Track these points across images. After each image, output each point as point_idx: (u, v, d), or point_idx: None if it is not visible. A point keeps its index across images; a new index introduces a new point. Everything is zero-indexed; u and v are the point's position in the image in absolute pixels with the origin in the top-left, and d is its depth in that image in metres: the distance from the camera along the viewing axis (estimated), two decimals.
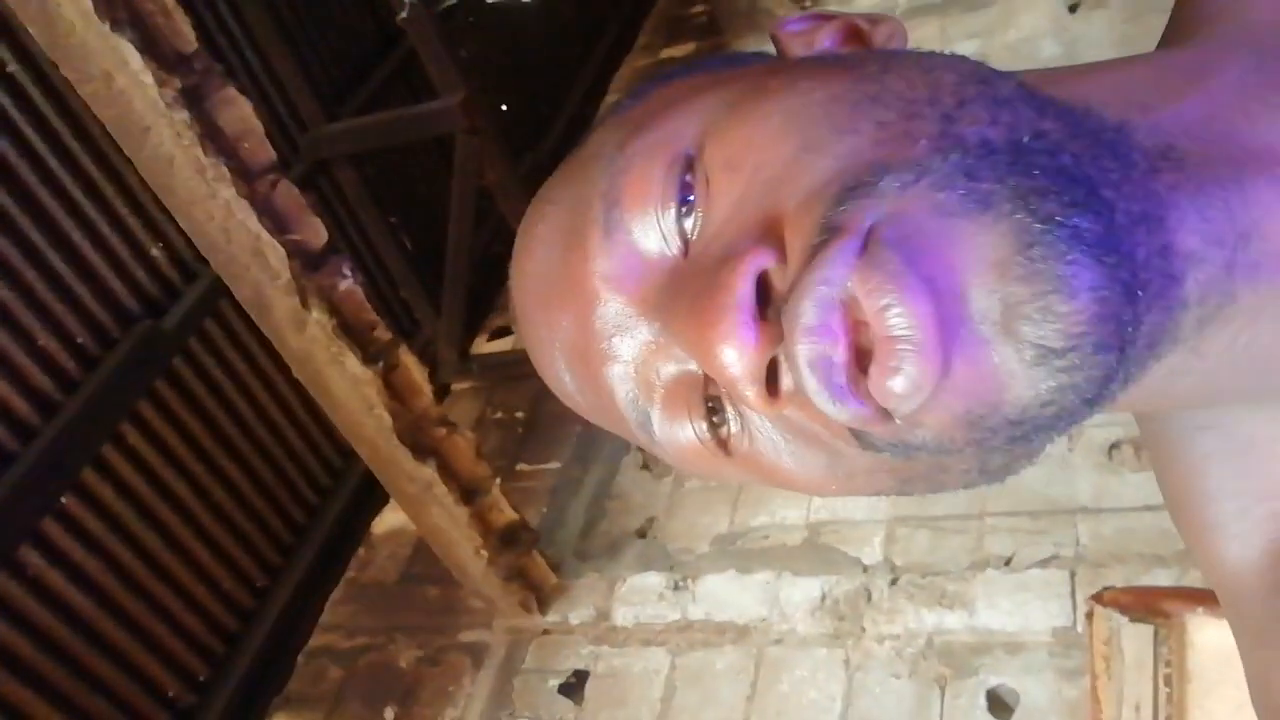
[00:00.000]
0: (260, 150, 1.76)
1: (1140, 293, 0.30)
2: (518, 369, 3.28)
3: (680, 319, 0.34)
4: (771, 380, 0.33)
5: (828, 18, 0.42)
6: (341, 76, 3.18)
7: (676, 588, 2.48)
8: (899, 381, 0.30)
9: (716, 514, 2.64)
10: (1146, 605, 1.21)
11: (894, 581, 2.26)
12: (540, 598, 2.55)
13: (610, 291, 0.37)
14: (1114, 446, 2.26)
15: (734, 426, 0.37)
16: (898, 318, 0.30)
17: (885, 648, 2.16)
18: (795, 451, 0.36)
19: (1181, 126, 0.34)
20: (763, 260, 0.33)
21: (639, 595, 2.51)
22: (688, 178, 0.35)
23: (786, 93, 0.35)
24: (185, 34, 1.64)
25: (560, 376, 0.40)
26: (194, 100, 1.65)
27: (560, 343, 0.39)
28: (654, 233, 0.36)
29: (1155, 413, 0.42)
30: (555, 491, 2.94)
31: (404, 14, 2.55)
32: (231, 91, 1.72)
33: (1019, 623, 2.04)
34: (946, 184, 0.31)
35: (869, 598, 2.26)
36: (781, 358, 0.33)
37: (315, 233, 1.88)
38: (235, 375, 2.75)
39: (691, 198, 0.35)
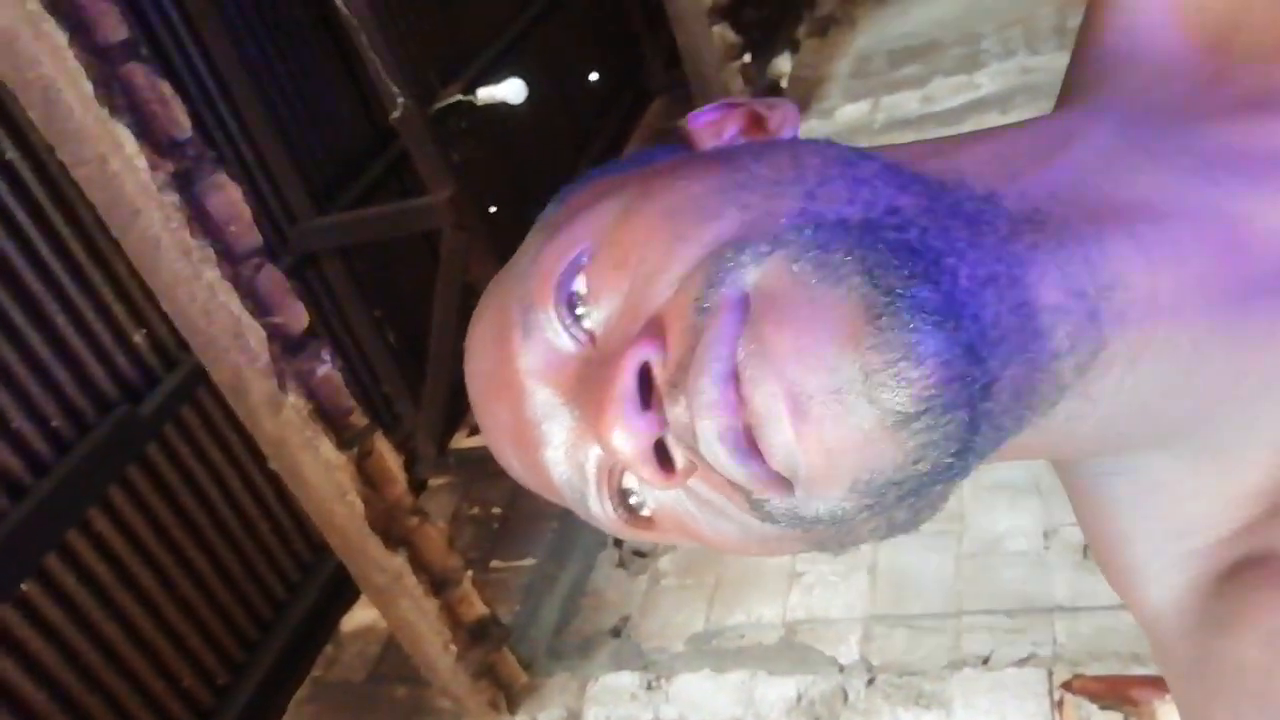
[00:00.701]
0: (247, 234, 1.80)
1: (987, 351, 0.32)
2: (495, 465, 3.26)
3: (585, 411, 0.38)
4: (665, 459, 0.36)
5: (733, 106, 0.46)
6: (333, 171, 3.26)
7: (650, 687, 2.43)
8: (778, 454, 0.33)
9: (692, 612, 2.60)
10: (1116, 693, 1.21)
11: (871, 681, 2.22)
12: (510, 697, 2.48)
13: (535, 384, 0.40)
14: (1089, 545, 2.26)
15: (651, 503, 0.40)
16: (770, 398, 0.32)
17: None
18: (708, 520, 0.39)
19: (1047, 190, 0.36)
20: (644, 353, 0.36)
21: (611, 695, 2.45)
22: (574, 285, 0.39)
23: (665, 191, 0.38)
24: (180, 120, 1.70)
25: (509, 461, 0.44)
26: (185, 184, 1.69)
27: (503, 430, 0.42)
28: (562, 331, 0.39)
29: (1069, 460, 0.43)
30: (529, 588, 2.90)
31: (397, 113, 2.64)
32: (222, 177, 1.77)
33: None
34: (801, 254, 0.33)
35: (845, 698, 2.21)
36: (669, 438, 0.36)
37: (296, 317, 1.91)
38: (210, 464, 2.73)
39: (577, 303, 0.39)
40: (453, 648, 2.33)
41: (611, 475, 0.40)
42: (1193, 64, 0.42)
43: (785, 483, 0.34)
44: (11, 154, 2.22)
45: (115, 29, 1.58)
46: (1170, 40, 0.43)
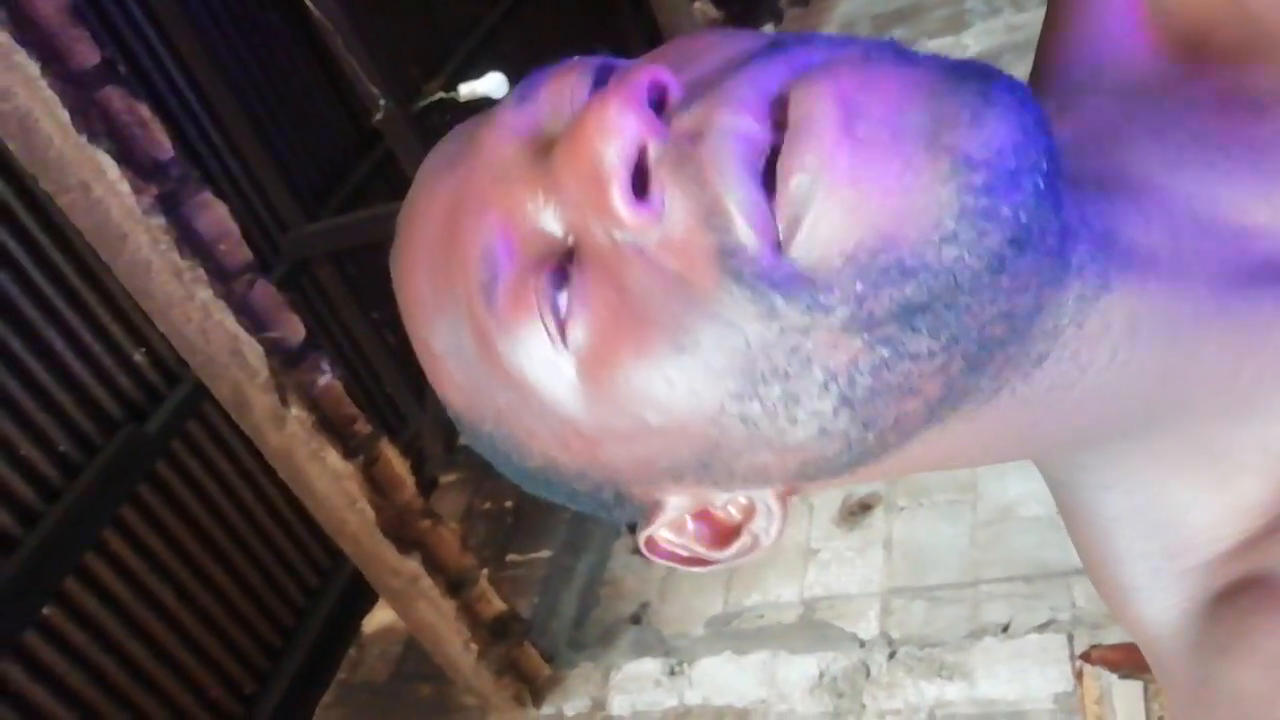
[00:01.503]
0: (237, 251, 1.79)
1: (1049, 175, 0.29)
2: None
3: (562, 136, 0.32)
4: (641, 193, 0.31)
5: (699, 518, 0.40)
6: (320, 177, 3.25)
7: (672, 673, 2.43)
8: (794, 179, 0.29)
9: (710, 595, 2.61)
10: (1134, 661, 1.20)
11: (892, 655, 2.22)
12: (534, 690, 2.50)
13: (506, 138, 0.35)
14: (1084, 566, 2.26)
15: (575, 299, 0.33)
16: (819, 102, 0.29)
17: None
18: (637, 313, 0.32)
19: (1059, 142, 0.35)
20: (662, 74, 0.32)
21: (634, 683, 2.46)
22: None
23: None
24: (161, 142, 1.69)
25: (416, 280, 0.37)
26: (171, 206, 1.68)
27: (432, 224, 0.36)
28: (563, 99, 0.35)
29: (1050, 454, 0.42)
30: (547, 580, 2.90)
31: (379, 115, 2.62)
32: (208, 195, 1.76)
33: (1020, 691, 2.01)
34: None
35: (867, 673, 2.22)
36: (654, 158, 0.31)
37: (293, 329, 1.90)
38: (219, 477, 2.74)
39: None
40: (473, 646, 2.34)
41: (544, 259, 0.33)
42: (1158, 64, 0.41)
43: (776, 237, 0.30)
44: None
45: (88, 54, 1.57)
46: (1136, 46, 0.42)
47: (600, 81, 0.34)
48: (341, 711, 2.90)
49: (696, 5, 4.08)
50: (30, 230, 2.29)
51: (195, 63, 2.80)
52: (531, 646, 2.51)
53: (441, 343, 0.37)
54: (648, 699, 2.40)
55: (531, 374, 0.34)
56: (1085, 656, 1.26)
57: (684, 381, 0.32)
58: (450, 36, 3.83)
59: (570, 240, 0.33)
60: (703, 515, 0.40)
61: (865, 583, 2.43)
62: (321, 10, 2.51)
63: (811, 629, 2.39)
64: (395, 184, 3.41)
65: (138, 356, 2.52)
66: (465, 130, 0.38)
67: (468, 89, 2.70)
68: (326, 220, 3.10)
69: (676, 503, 0.39)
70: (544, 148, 0.34)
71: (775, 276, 0.30)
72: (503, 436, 0.37)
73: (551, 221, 0.34)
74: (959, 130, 0.28)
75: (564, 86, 0.35)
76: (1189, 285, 0.34)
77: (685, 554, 0.40)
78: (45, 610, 2.23)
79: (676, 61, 0.34)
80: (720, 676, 2.36)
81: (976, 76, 0.30)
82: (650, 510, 0.39)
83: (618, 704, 2.43)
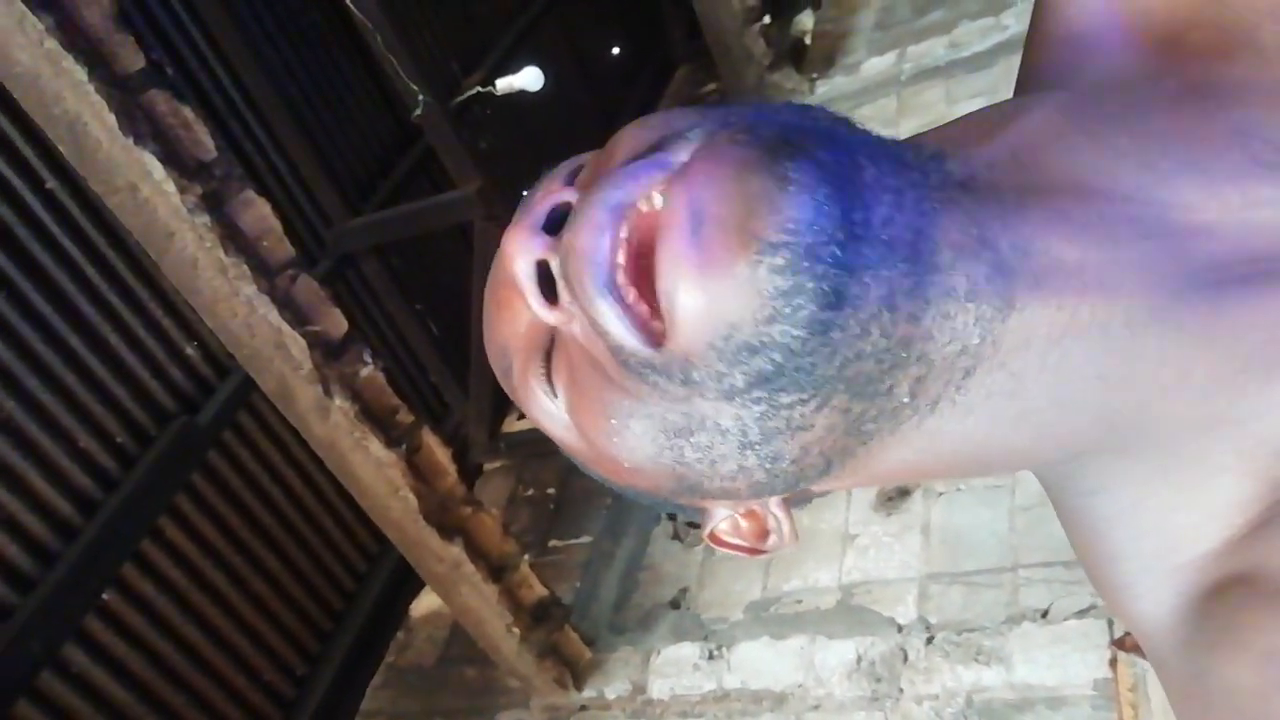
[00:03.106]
0: (279, 247, 1.84)
1: (865, 233, 0.33)
2: (547, 445, 3.31)
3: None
4: (551, 294, 0.38)
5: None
6: (364, 174, 3.31)
7: (711, 657, 2.46)
8: (664, 268, 0.34)
9: (748, 581, 2.63)
10: None
11: (930, 640, 2.23)
12: (575, 674, 2.54)
13: (513, 248, 0.41)
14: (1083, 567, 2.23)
15: (553, 375, 0.42)
16: (672, 205, 0.34)
17: (924, 708, 2.12)
18: (581, 388, 0.40)
19: (985, 160, 0.37)
20: (565, 195, 0.38)
21: (674, 667, 2.49)
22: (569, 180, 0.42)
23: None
24: (205, 143, 1.74)
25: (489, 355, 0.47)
26: (215, 204, 1.74)
27: (486, 316, 0.46)
28: (545, 207, 0.41)
29: (1032, 465, 0.43)
30: (587, 566, 2.94)
31: (419, 111, 2.66)
32: (250, 194, 1.81)
33: (1059, 676, 2.00)
34: (735, 125, 0.36)
35: (905, 658, 2.22)
36: (556, 268, 0.37)
37: (335, 323, 1.95)
38: (269, 466, 2.82)
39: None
40: (515, 630, 2.38)
41: (536, 342, 0.42)
42: (1137, 61, 0.42)
43: (649, 332, 0.35)
44: (52, 183, 2.29)
45: (133, 59, 1.62)
46: (1114, 38, 0.43)
47: (569, 182, 0.41)
48: (391, 693, 2.98)
49: None
50: (85, 229, 2.37)
51: (241, 63, 2.86)
52: (573, 631, 2.55)
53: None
54: (686, 682, 2.43)
55: (552, 430, 0.43)
56: (1119, 643, 1.26)
57: (625, 436, 0.39)
58: (490, 31, 3.87)
59: (551, 332, 0.42)
60: (750, 515, 0.47)
61: (903, 568, 2.43)
62: (362, 10, 2.56)
63: (849, 614, 2.39)
64: (436, 178, 3.46)
65: (189, 350, 2.60)
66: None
67: (505, 83, 2.72)
68: (370, 214, 3.16)
69: (715, 509, 0.46)
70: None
71: (656, 363, 0.36)
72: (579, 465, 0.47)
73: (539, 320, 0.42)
74: (761, 215, 0.33)
75: (547, 197, 0.41)
76: (1121, 292, 0.35)
77: (744, 546, 0.48)
78: (105, 595, 2.32)
79: (606, 155, 0.41)
80: (758, 661, 2.38)
81: (786, 154, 0.34)
82: (703, 514, 0.47)
83: (657, 687, 2.46)
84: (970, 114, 0.42)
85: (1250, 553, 0.36)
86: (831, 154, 0.34)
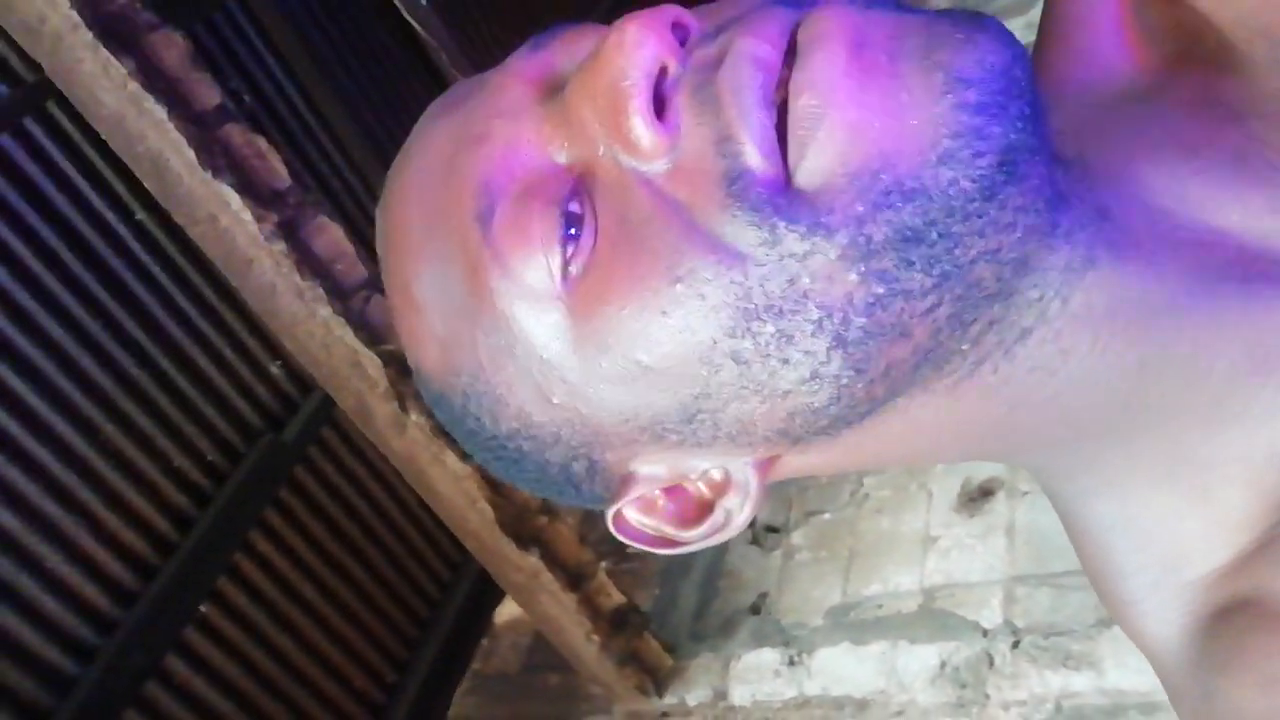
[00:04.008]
0: (353, 270, 1.89)
1: (1037, 119, 0.30)
2: None
3: (580, 64, 0.33)
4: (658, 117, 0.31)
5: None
6: None
7: (791, 663, 2.44)
8: (810, 79, 0.30)
9: (829, 585, 2.60)
10: None
11: (1016, 644, 2.17)
12: (656, 680, 2.55)
13: (514, 79, 0.35)
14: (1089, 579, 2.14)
15: (579, 237, 0.33)
16: (825, 26, 0.30)
17: (1012, 715, 2.07)
18: (635, 243, 0.32)
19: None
20: (685, 15, 0.33)
21: (754, 673, 2.48)
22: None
23: None
24: (279, 171, 1.80)
25: (406, 222, 0.37)
26: (290, 231, 1.80)
27: (428, 162, 0.36)
28: (580, 49, 0.35)
29: (1043, 473, 0.42)
30: (665, 573, 2.95)
31: None
32: (324, 219, 1.86)
33: (1151, 681, 1.90)
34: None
35: (991, 663, 2.17)
36: (679, 92, 0.31)
37: None
38: (353, 479, 2.89)
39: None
40: (595, 637, 2.40)
41: (550, 187, 0.33)
42: (1148, 77, 0.42)
43: (783, 164, 0.30)
44: (141, 215, 2.40)
45: (209, 95, 1.68)
46: (1123, 60, 0.43)
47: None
48: (477, 700, 3.03)
49: None
50: (173, 257, 2.48)
51: (314, 88, 2.95)
52: (653, 638, 2.56)
53: (425, 286, 0.36)
54: (767, 689, 2.42)
55: (522, 312, 0.34)
56: None
57: (678, 314, 0.31)
58: None
59: (574, 174, 0.33)
60: (674, 491, 0.39)
61: (988, 570, 2.38)
62: (428, 30, 2.61)
63: (932, 618, 2.35)
64: None
65: (274, 369, 2.69)
66: (473, 78, 0.39)
67: None
68: None
69: (650, 473, 0.38)
70: (554, 88, 0.34)
71: (779, 201, 0.30)
72: (478, 393, 0.36)
73: (556, 154, 0.33)
74: (950, 50, 0.29)
75: (580, 38, 0.36)
76: (1167, 275, 0.34)
77: (653, 534, 0.40)
78: (203, 608, 2.42)
79: (699, 13, 0.35)
80: (839, 667, 2.36)
81: (971, 15, 0.31)
82: (621, 484, 0.38)
83: (738, 694, 2.46)
84: None
85: (1256, 574, 0.36)
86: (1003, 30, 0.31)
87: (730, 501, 0.38)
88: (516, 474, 0.39)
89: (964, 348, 0.33)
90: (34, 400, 2.16)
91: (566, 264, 0.33)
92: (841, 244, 0.30)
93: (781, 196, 0.30)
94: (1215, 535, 0.37)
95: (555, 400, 0.35)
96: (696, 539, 0.39)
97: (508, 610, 3.20)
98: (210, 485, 2.48)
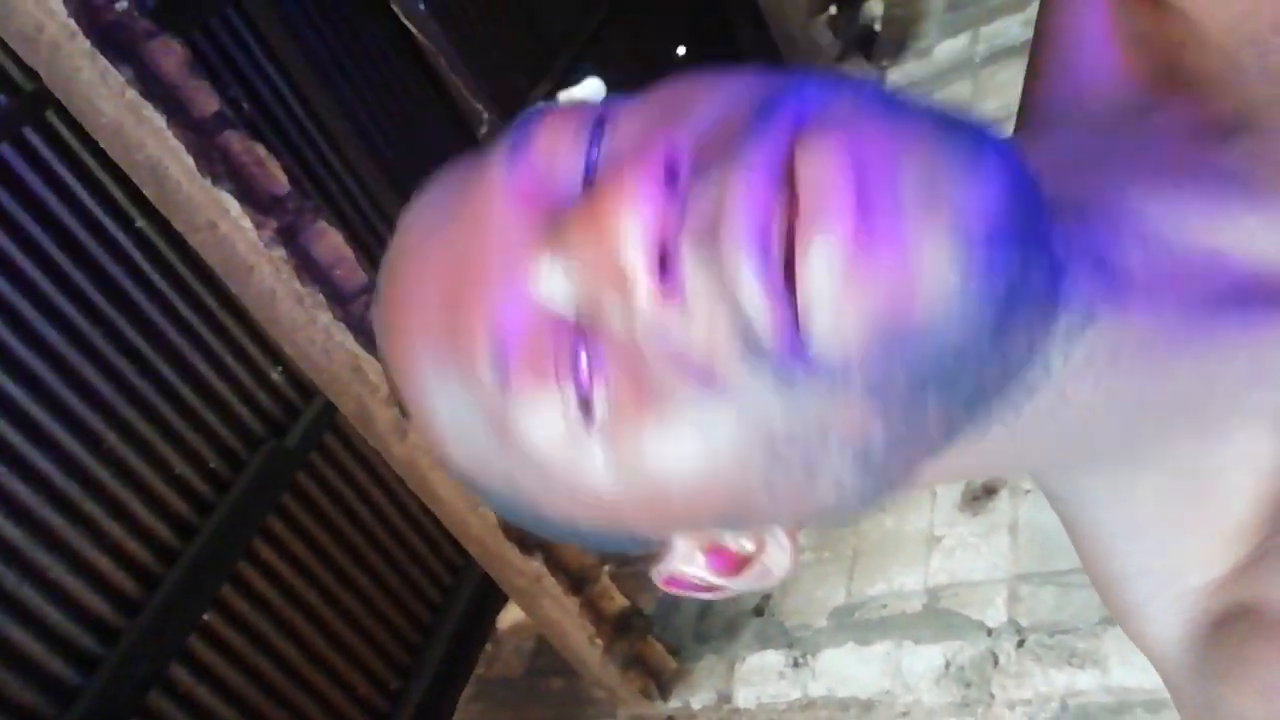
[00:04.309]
0: (353, 275, 1.89)
1: (1039, 225, 0.30)
2: None
3: (577, 211, 0.32)
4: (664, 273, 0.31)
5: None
6: None
7: (796, 665, 2.44)
8: (817, 241, 0.29)
9: (832, 586, 2.60)
10: None
11: (1021, 643, 2.17)
12: (661, 683, 2.54)
13: (505, 201, 0.34)
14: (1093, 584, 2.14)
15: (594, 371, 0.33)
16: (829, 177, 0.29)
17: (1017, 713, 2.07)
18: (657, 390, 0.32)
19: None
20: (674, 137, 0.32)
21: (759, 675, 2.47)
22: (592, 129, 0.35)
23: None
24: (278, 178, 1.80)
25: (411, 348, 0.36)
26: (289, 237, 1.80)
27: (429, 290, 0.35)
28: (560, 157, 0.34)
29: (1048, 482, 0.42)
30: None
31: (484, 130, 2.70)
32: (323, 224, 1.86)
33: (1156, 679, 1.92)
34: (872, 99, 0.32)
35: (996, 662, 2.17)
36: (682, 253, 0.30)
37: None
38: (355, 485, 2.89)
39: (597, 137, 0.34)
40: (598, 641, 2.40)
41: (558, 339, 0.33)
42: (1135, 97, 0.42)
43: (795, 325, 0.30)
44: (141, 223, 2.40)
45: (208, 102, 1.69)
46: (1114, 78, 0.43)
47: (595, 138, 0.35)
48: (482, 705, 3.02)
49: None
50: (174, 265, 2.47)
51: (313, 93, 2.95)
52: (656, 641, 2.56)
53: (442, 411, 0.36)
54: (772, 690, 2.41)
55: (550, 447, 0.34)
56: None
57: (707, 458, 0.32)
58: (555, 37, 3.90)
59: (584, 316, 0.33)
60: (716, 549, 0.40)
61: (991, 569, 2.37)
62: (425, 34, 2.61)
63: (937, 618, 2.35)
64: None
65: (275, 375, 2.68)
66: (453, 181, 0.38)
67: (565, 96, 2.75)
68: None
69: (690, 542, 0.40)
70: (548, 215, 0.33)
71: (795, 361, 0.30)
72: (513, 494, 0.37)
73: (561, 296, 0.33)
74: (952, 182, 0.29)
75: (559, 142, 0.35)
76: (1163, 307, 0.35)
77: (698, 583, 0.41)
78: (206, 616, 2.41)
79: (671, 115, 0.33)
80: (844, 667, 2.35)
81: (966, 131, 0.31)
82: (663, 548, 0.40)
83: (743, 696, 2.45)
84: None
85: (1256, 583, 0.36)
86: (997, 144, 0.31)
87: (770, 559, 0.41)
88: (554, 534, 0.40)
89: (975, 421, 0.34)
90: (35, 409, 2.15)
91: (589, 404, 0.33)
92: (860, 393, 0.31)
93: (798, 357, 0.30)
94: (1216, 544, 0.37)
95: (592, 510, 0.36)
96: (739, 586, 0.41)
97: (511, 615, 3.19)
98: (212, 493, 2.48)
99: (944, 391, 0.31)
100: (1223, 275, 0.36)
